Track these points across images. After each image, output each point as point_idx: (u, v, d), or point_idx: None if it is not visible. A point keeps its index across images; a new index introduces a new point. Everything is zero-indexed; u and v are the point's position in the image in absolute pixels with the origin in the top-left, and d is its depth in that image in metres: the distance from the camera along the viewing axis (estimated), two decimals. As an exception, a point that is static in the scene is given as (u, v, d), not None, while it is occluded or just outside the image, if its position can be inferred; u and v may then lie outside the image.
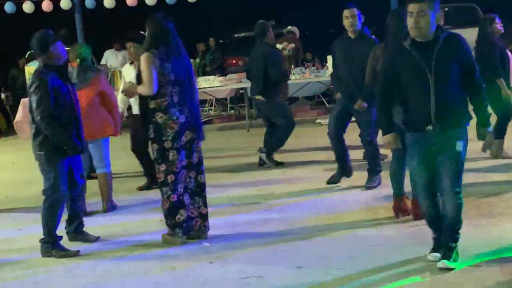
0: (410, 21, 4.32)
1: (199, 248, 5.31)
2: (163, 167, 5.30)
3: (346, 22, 6.53)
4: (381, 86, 4.64)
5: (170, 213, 5.35)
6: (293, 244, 5.22)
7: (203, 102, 13.96)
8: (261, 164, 8.31)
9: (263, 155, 8.24)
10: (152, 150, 5.43)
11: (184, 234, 5.39)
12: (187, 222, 5.39)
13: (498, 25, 7.44)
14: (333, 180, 6.95)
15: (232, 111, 14.52)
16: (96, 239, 5.76)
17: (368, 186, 6.63)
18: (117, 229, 6.12)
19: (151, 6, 13.21)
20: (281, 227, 5.71)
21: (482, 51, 7.39)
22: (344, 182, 6.94)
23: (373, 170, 6.68)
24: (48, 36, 5.40)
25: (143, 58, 5.26)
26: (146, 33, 5.41)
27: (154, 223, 6.06)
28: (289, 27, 13.29)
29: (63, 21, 9.79)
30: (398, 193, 5.61)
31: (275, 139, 8.28)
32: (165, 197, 5.34)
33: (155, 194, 6.52)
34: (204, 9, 19.88)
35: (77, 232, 5.76)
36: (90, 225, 6.04)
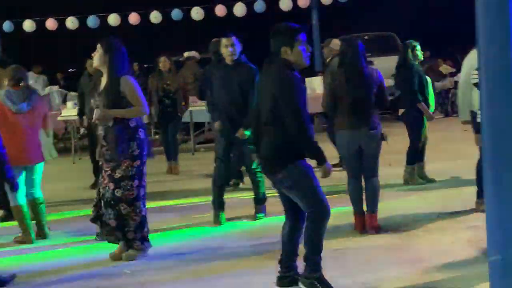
0: None
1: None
2: (136, 183, 5.45)
3: (225, 51, 6.44)
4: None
5: (139, 227, 5.51)
6: (218, 272, 5.18)
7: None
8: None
9: None
10: (128, 167, 5.41)
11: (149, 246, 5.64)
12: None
13: (419, 52, 7.69)
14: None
15: (156, 136, 14.34)
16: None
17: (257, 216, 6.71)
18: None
19: (73, 30, 13.03)
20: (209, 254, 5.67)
21: (402, 77, 7.69)
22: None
23: (260, 199, 6.75)
24: None
25: (129, 81, 5.46)
26: (107, 56, 5.44)
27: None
28: (187, 52, 13.14)
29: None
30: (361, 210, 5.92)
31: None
32: (137, 211, 5.48)
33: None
34: (127, 33, 19.74)
35: None
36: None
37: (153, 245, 5.67)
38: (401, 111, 7.80)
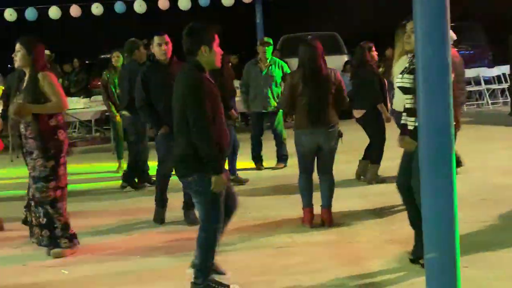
0: None
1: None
2: (52, 184, 5.41)
3: (158, 49, 6.26)
4: None
5: (65, 227, 5.55)
6: (156, 272, 5.13)
7: (67, 124, 13.49)
8: (123, 187, 8.32)
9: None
10: (42, 167, 5.37)
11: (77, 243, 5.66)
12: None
13: (374, 53, 7.75)
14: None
15: (97, 134, 14.15)
16: None
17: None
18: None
19: (11, 22, 12.67)
20: (145, 253, 5.60)
21: (361, 78, 7.65)
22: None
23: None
24: None
25: (50, 75, 5.38)
26: (30, 56, 5.37)
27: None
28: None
29: None
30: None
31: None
32: (60, 212, 5.49)
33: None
34: (70, 28, 19.36)
35: None
36: None
37: (90, 243, 5.59)
38: (358, 112, 7.68)
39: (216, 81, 7.22)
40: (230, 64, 8.02)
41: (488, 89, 15.18)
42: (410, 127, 4.63)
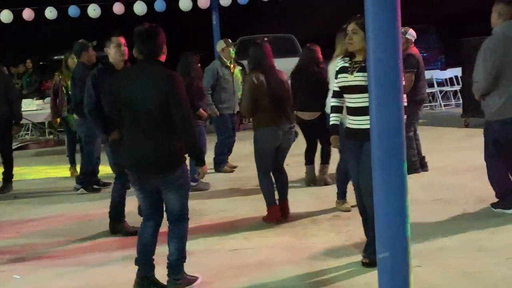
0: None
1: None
2: None
3: (117, 51, 6.05)
4: None
5: None
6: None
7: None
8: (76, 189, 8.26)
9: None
10: None
11: None
12: None
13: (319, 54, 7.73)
14: None
15: (51, 136, 13.94)
16: None
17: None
18: None
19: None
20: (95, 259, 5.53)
21: (307, 80, 7.58)
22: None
23: None
24: None
25: None
26: None
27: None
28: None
29: None
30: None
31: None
32: None
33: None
34: (23, 30, 19.01)
35: None
36: None
37: (44, 248, 5.48)
38: (307, 114, 7.55)
39: (185, 80, 7.24)
40: (199, 64, 7.92)
41: (441, 91, 15.46)
42: (363, 126, 4.67)
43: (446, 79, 16.06)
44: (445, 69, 16.54)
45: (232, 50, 8.91)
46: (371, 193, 4.60)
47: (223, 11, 16.79)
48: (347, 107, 4.87)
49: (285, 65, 15.52)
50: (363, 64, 4.65)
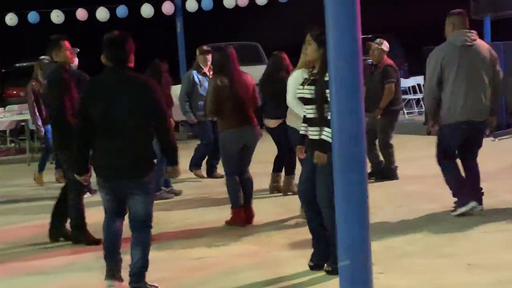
0: None
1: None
2: None
3: (72, 56, 6.32)
4: None
5: None
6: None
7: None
8: None
9: None
10: None
11: None
12: None
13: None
14: None
15: (12, 144, 13.72)
16: None
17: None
18: None
19: None
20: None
21: (273, 88, 7.52)
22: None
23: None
24: None
25: None
26: None
27: None
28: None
29: None
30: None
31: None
32: None
33: None
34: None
35: None
36: None
37: (5, 259, 5.37)
38: (271, 121, 7.50)
39: None
40: (168, 72, 7.88)
41: (404, 99, 15.64)
42: (313, 137, 4.74)
43: (409, 87, 16.26)
44: (408, 78, 16.74)
45: (207, 57, 8.81)
46: (326, 202, 4.70)
47: (188, 18, 16.75)
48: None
49: (251, 73, 15.57)
50: (315, 77, 4.72)
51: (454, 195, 6.38)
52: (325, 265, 4.89)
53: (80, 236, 6.08)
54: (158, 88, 4.52)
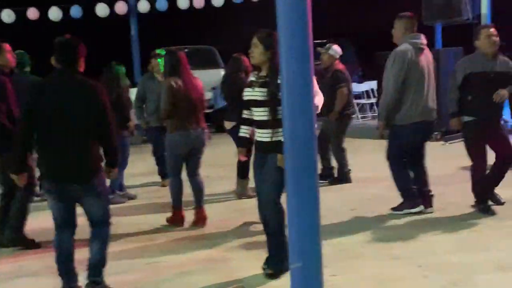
0: None
1: None
2: None
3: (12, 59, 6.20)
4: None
5: None
6: None
7: None
8: None
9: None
10: None
11: None
12: None
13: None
14: None
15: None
16: None
17: None
18: None
19: None
20: None
21: (233, 90, 7.49)
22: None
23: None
24: None
25: None
26: None
27: None
28: None
29: None
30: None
31: None
32: None
33: None
34: None
35: None
36: None
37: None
38: (229, 124, 7.55)
39: (113, 92, 7.33)
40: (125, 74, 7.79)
41: (358, 104, 15.83)
42: (264, 139, 4.76)
43: (363, 92, 16.47)
44: (362, 82, 16.96)
45: (159, 61, 8.73)
46: (271, 205, 4.74)
47: (142, 21, 16.62)
48: (253, 120, 4.93)
49: (206, 77, 15.52)
50: (265, 80, 4.72)
51: (403, 196, 6.53)
52: (266, 268, 4.90)
53: (17, 240, 5.99)
54: (104, 92, 4.49)
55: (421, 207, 6.49)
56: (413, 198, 6.49)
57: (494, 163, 6.39)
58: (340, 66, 8.35)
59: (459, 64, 6.46)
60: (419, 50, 6.30)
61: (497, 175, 6.39)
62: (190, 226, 6.48)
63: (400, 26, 6.41)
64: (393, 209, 6.60)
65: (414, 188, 6.53)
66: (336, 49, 8.26)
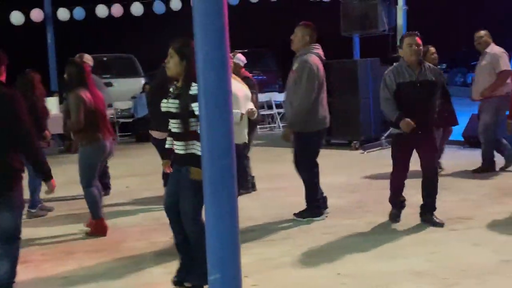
0: None
1: None
2: None
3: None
4: None
5: None
6: None
7: None
8: None
9: None
10: None
11: None
12: None
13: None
14: None
15: None
16: None
17: None
18: None
19: None
20: None
21: (157, 100, 7.31)
22: None
23: None
24: None
25: None
26: None
27: None
28: None
29: None
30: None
31: None
32: None
33: None
34: None
35: None
36: None
37: None
38: (156, 133, 7.22)
39: (29, 100, 7.14)
40: (40, 83, 7.55)
41: (279, 113, 15.95)
42: (179, 152, 4.63)
43: (284, 101, 16.61)
44: (282, 92, 17.11)
45: None
46: (190, 223, 4.61)
47: (60, 28, 16.24)
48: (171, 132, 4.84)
49: (126, 86, 15.30)
50: (179, 92, 4.63)
51: (308, 205, 6.74)
52: (185, 283, 4.79)
53: None
54: (22, 101, 4.37)
55: (323, 217, 6.74)
56: (318, 209, 6.75)
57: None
58: (246, 73, 8.37)
59: (387, 74, 6.29)
60: (321, 60, 6.57)
61: (425, 188, 6.36)
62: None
63: (305, 35, 6.60)
64: (296, 215, 6.75)
65: (320, 199, 6.78)
66: (240, 57, 8.30)
